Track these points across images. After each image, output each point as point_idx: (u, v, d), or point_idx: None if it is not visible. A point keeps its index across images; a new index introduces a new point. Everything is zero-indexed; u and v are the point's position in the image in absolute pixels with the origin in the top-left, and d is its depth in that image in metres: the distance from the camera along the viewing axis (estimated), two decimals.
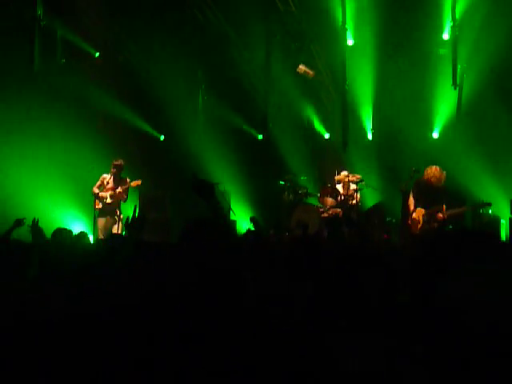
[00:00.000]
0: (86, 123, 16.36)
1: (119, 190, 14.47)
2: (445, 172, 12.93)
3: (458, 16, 15.25)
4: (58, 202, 15.89)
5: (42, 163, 15.65)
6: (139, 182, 14.71)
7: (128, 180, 14.65)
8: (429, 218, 12.89)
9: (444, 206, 12.95)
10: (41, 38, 16.28)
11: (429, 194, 12.93)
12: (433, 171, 12.88)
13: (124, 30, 17.07)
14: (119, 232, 14.14)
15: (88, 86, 16.61)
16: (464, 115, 15.71)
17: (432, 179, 12.87)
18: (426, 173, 12.95)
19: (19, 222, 8.25)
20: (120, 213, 14.62)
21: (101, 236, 13.89)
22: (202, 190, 4.48)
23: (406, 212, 13.21)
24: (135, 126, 17.46)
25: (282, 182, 15.84)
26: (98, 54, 17.45)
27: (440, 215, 12.82)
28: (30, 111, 15.93)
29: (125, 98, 17.14)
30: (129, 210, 15.35)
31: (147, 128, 17.75)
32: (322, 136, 17.83)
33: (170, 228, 15.23)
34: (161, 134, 18.08)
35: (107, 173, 14.65)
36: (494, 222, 14.31)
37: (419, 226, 12.90)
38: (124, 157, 14.95)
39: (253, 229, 11.24)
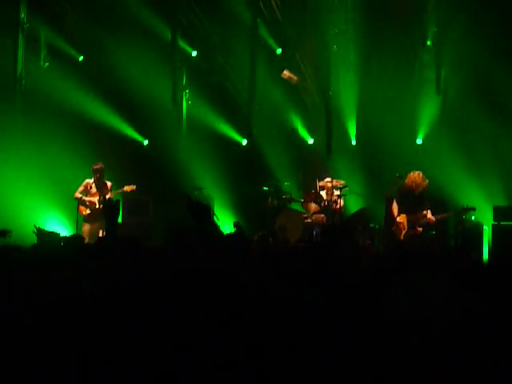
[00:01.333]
0: (70, 127, 16.29)
1: (110, 195, 14.35)
2: (427, 179, 13.00)
3: (441, 22, 15.33)
4: (40, 207, 15.79)
5: (25, 167, 15.57)
6: (134, 187, 14.57)
7: (109, 184, 14.54)
8: (413, 223, 12.93)
9: (429, 211, 13.00)
10: (24, 41, 16.27)
11: (411, 200, 13.00)
12: (415, 177, 12.97)
13: (108, 34, 17.02)
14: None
15: (71, 89, 16.56)
16: (447, 121, 15.78)
17: (413, 185, 12.95)
18: (408, 178, 13.03)
19: (4, 233, 8.15)
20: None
21: (87, 241, 13.74)
22: (197, 213, 4.49)
23: (390, 218, 13.25)
24: (119, 130, 17.39)
25: (265, 188, 15.82)
26: (81, 58, 17.40)
27: (432, 218, 12.90)
28: (12, 114, 15.85)
29: (108, 101, 17.09)
30: None
31: (131, 132, 17.69)
32: (306, 142, 17.82)
33: (153, 231, 15.20)
34: (144, 138, 18.02)
35: (90, 177, 14.55)
36: (477, 228, 14.35)
37: (403, 231, 12.94)
38: (107, 161, 14.89)
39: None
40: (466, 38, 15.12)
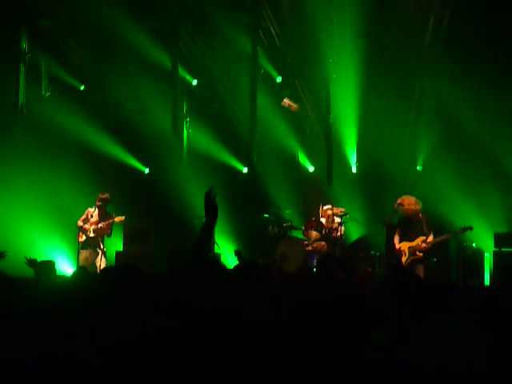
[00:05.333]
0: (71, 156, 16.35)
1: (101, 225, 14.42)
2: (419, 203, 13.01)
3: (440, 52, 15.39)
4: (42, 234, 15.81)
5: (26, 195, 15.59)
6: (123, 218, 14.66)
7: (113, 215, 14.61)
8: (414, 249, 12.91)
9: (431, 236, 12.97)
10: (26, 72, 16.35)
11: (409, 226, 13.04)
12: (406, 202, 13.01)
13: (109, 63, 17.12)
14: (102, 265, 14.07)
15: (73, 118, 16.62)
16: (447, 148, 15.78)
17: (407, 210, 13.00)
18: (402, 205, 13.07)
19: (0, 255, 8.19)
20: (103, 247, 14.59)
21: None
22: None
23: (391, 245, 13.26)
24: (120, 158, 17.44)
25: (266, 216, 15.83)
26: (82, 87, 17.48)
27: (423, 245, 12.86)
28: (14, 144, 15.91)
29: (110, 130, 17.16)
30: (112, 244, 15.33)
31: (132, 161, 17.73)
32: (307, 169, 17.85)
33: (154, 261, 15.18)
34: (145, 167, 18.06)
35: (92, 206, 14.62)
36: (478, 255, 14.33)
37: (404, 258, 12.92)
38: (108, 189, 14.94)
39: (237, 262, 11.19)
40: (465, 67, 15.17)
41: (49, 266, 8.14)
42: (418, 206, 13.01)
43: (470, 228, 13.16)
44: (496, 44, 15.06)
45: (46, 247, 15.72)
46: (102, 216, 14.52)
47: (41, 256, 12.22)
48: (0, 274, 5.18)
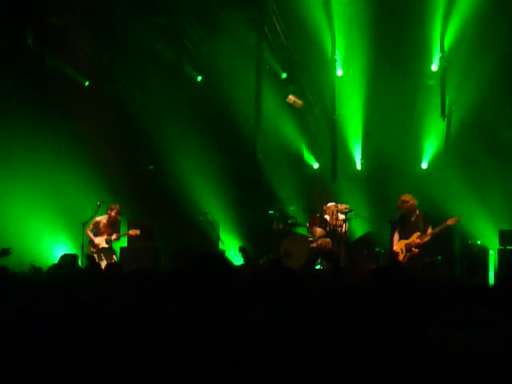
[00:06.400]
0: (75, 152, 16.31)
1: (114, 237, 14.65)
2: (413, 200, 13.15)
3: (446, 47, 15.37)
4: (47, 233, 15.80)
5: (31, 194, 15.57)
6: (137, 231, 14.85)
7: (127, 228, 14.92)
8: (409, 246, 13.05)
9: (429, 228, 13.10)
10: (31, 67, 16.33)
11: (406, 222, 13.20)
12: (403, 200, 13.17)
13: (114, 59, 17.11)
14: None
15: (77, 115, 16.60)
16: (452, 146, 15.75)
17: (405, 208, 13.16)
18: (407, 201, 13.21)
19: (5, 252, 8.15)
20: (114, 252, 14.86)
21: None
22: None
23: (392, 243, 13.36)
24: (124, 154, 17.40)
25: (271, 212, 15.83)
26: (87, 83, 17.45)
27: (417, 241, 12.97)
28: (18, 141, 15.88)
29: (114, 126, 17.12)
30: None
31: (137, 157, 17.71)
32: (311, 166, 17.82)
33: (159, 257, 15.19)
34: (150, 163, 18.02)
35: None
36: (483, 253, 14.30)
37: (402, 255, 13.05)
38: (113, 186, 14.97)
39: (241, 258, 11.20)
40: (471, 63, 15.14)
41: (74, 258, 8.19)
42: (414, 201, 13.20)
43: (458, 218, 13.26)
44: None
45: (51, 245, 15.72)
46: (115, 226, 14.74)
47: (45, 254, 12.27)
48: (4, 270, 5.17)
